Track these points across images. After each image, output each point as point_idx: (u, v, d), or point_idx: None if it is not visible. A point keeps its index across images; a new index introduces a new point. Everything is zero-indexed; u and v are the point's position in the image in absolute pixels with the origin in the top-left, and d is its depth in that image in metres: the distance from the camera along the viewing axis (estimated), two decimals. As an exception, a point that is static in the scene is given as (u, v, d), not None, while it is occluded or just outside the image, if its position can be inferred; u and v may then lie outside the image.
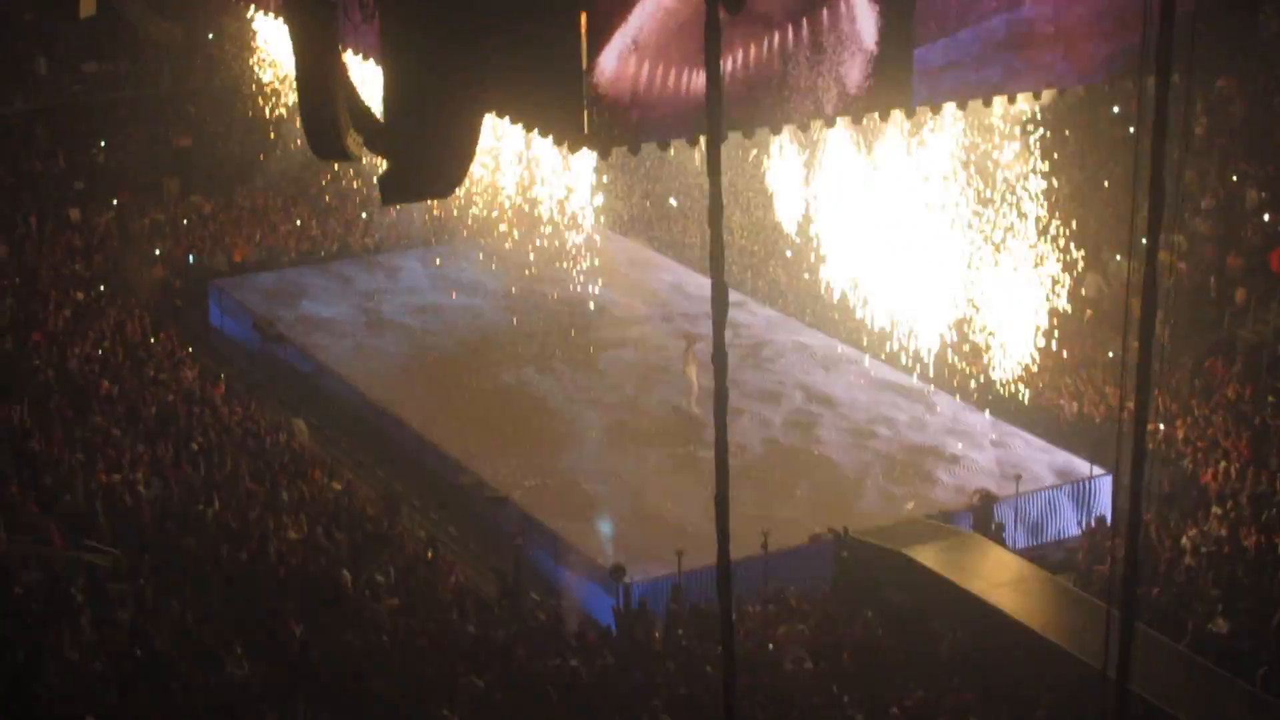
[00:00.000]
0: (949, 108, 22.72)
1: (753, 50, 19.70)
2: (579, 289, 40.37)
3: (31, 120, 46.25)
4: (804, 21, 19.95)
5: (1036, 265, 38.27)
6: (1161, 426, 31.53)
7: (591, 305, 40.38)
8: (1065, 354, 35.66)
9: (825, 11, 19.97)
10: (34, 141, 45.86)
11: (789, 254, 40.84)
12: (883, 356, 37.44)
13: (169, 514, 29.28)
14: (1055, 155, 34.53)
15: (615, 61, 18.77)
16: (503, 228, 40.08)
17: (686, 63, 19.10)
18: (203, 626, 25.57)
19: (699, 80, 18.74)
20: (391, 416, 35.36)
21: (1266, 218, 36.68)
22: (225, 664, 24.40)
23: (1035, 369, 35.43)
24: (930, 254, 38.69)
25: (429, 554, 29.34)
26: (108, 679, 23.76)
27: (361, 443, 35.53)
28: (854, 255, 39.20)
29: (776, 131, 21.57)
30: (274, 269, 43.43)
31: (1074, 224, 34.96)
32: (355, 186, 44.47)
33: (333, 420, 36.47)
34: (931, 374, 36.63)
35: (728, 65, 19.30)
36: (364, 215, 45.41)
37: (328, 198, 45.89)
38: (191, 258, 43.19)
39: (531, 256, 40.51)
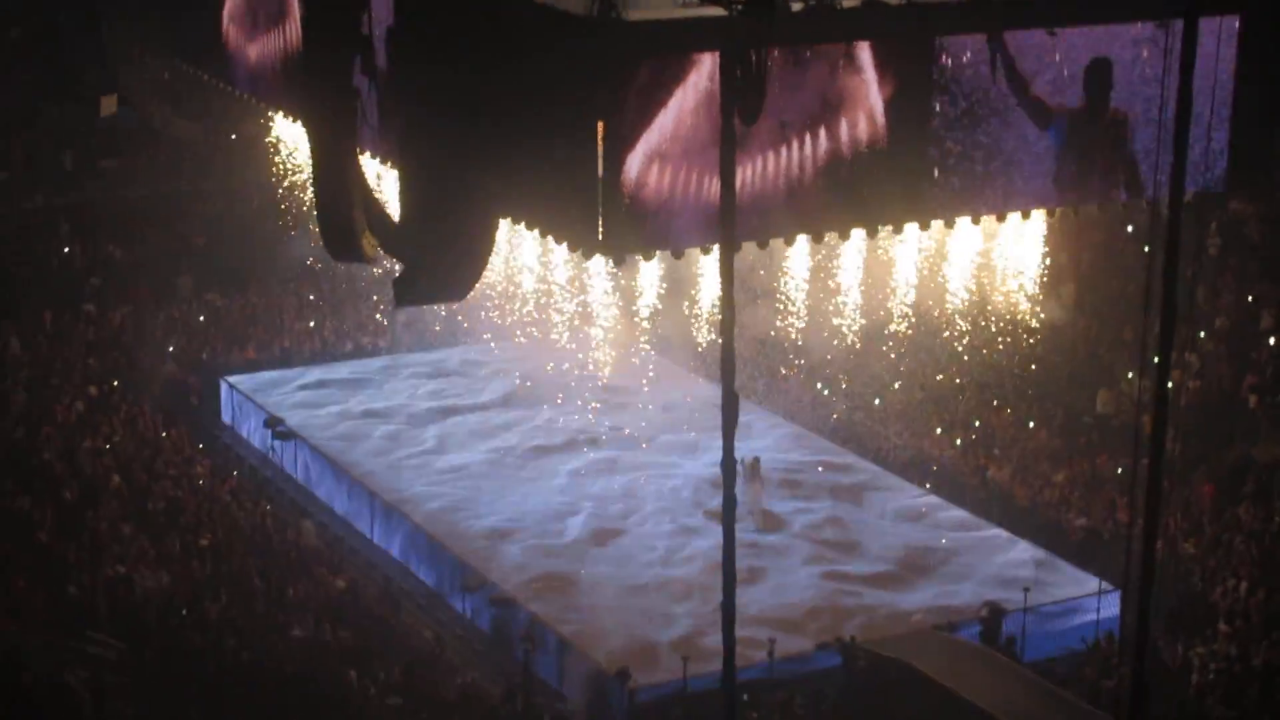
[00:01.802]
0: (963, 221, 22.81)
1: (770, 159, 19.73)
2: (597, 392, 40.27)
3: (52, 215, 46.46)
4: (821, 130, 20.00)
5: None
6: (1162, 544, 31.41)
7: (607, 422, 40.15)
8: (1075, 468, 35.75)
9: (844, 120, 20.04)
10: (53, 237, 46.05)
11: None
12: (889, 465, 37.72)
13: (173, 609, 29.23)
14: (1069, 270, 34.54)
15: (638, 168, 18.76)
16: (519, 332, 39.88)
17: (707, 170, 19.11)
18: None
19: (717, 188, 18.78)
20: (398, 515, 35.29)
21: (1272, 341, 36.68)
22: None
23: (1045, 482, 35.51)
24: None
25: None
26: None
27: (368, 540, 35.52)
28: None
29: (790, 243, 21.61)
30: (287, 367, 43.49)
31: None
32: (369, 287, 44.58)
33: (339, 518, 36.49)
34: (940, 485, 36.66)
35: (744, 174, 19.34)
36: (378, 316, 45.51)
37: (342, 298, 46.02)
38: (205, 354, 43.28)
39: (548, 361, 40.46)
